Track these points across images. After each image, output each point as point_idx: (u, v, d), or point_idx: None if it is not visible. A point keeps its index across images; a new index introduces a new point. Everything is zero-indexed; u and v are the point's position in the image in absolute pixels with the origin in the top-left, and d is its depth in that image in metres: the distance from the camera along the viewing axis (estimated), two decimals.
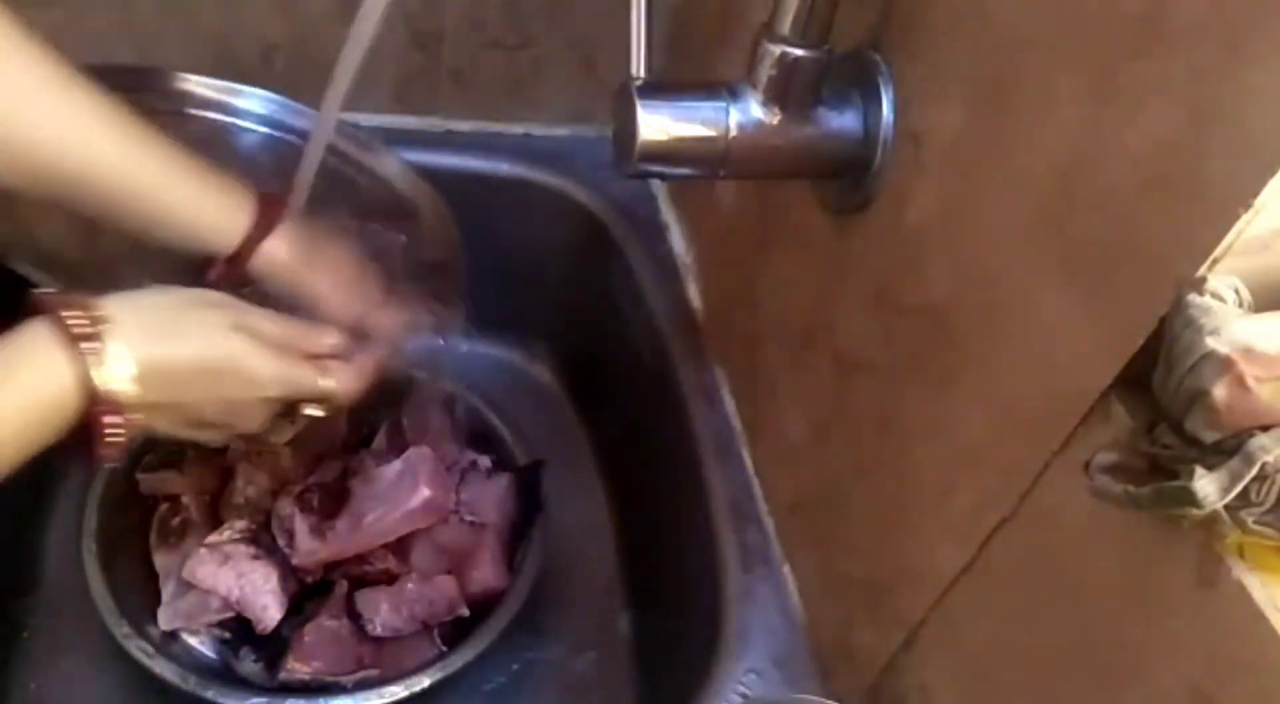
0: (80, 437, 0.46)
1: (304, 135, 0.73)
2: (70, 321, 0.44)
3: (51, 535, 0.81)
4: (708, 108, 0.54)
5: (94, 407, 0.45)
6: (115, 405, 0.45)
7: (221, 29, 0.87)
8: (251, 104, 0.78)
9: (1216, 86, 0.33)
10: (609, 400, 0.95)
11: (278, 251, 0.60)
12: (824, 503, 0.63)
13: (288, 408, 0.56)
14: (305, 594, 0.74)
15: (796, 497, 0.67)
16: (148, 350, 0.46)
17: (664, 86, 0.54)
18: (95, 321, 0.45)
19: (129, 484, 0.76)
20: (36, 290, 0.47)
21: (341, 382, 0.57)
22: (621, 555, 0.89)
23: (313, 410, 0.58)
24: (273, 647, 0.72)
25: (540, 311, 0.99)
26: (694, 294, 0.85)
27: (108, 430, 0.45)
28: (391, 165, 0.79)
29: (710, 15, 0.82)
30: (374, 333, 0.62)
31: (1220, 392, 0.32)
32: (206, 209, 0.58)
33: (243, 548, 0.73)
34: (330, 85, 0.60)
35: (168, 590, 0.73)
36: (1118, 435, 0.38)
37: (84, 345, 0.44)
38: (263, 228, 0.59)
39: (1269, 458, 0.31)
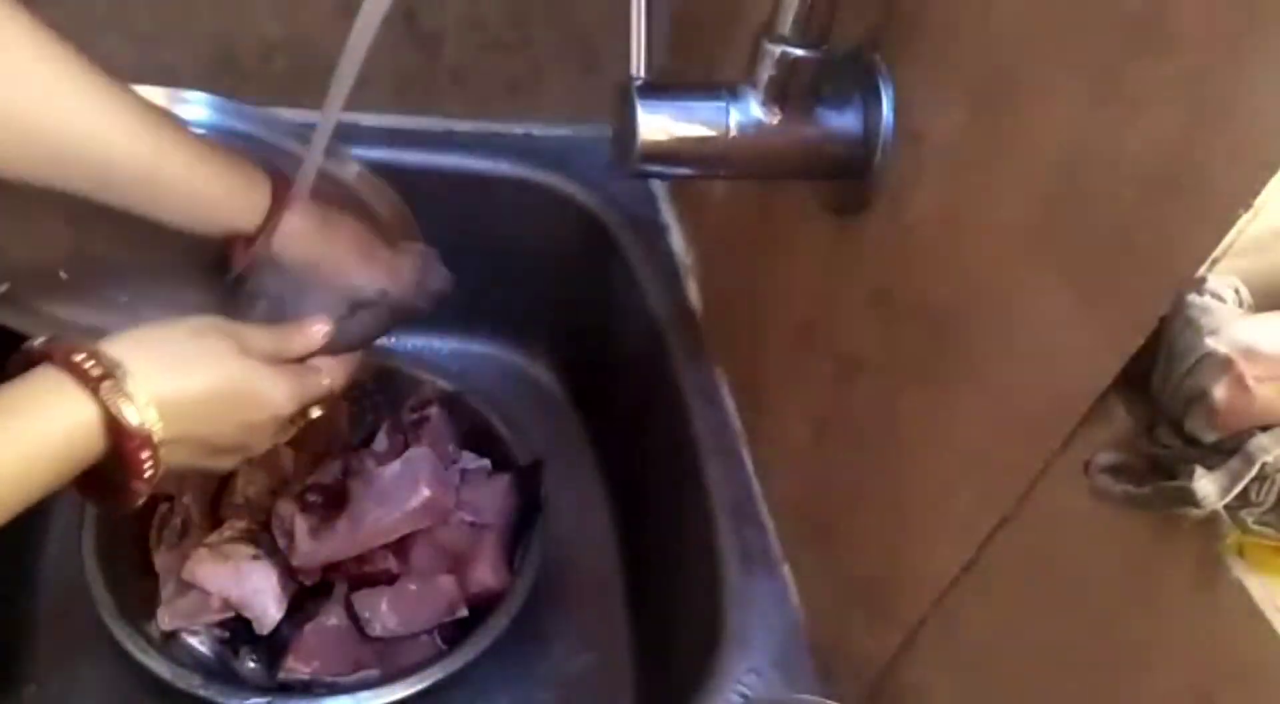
0: (107, 476, 0.46)
1: (248, 138, 0.74)
2: (84, 365, 0.44)
3: (52, 535, 0.81)
4: (708, 108, 0.54)
5: (128, 443, 0.45)
6: (146, 439, 0.46)
7: (221, 29, 0.87)
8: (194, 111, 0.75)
9: (1216, 86, 0.33)
10: (609, 400, 0.95)
11: (295, 224, 0.60)
12: (824, 503, 0.63)
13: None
14: (305, 594, 0.74)
15: (796, 497, 0.67)
16: (163, 385, 0.47)
17: (664, 86, 0.54)
18: (106, 364, 0.45)
19: None
20: (33, 341, 0.46)
21: (336, 376, 0.58)
22: (621, 555, 0.89)
23: (316, 411, 0.59)
24: (273, 647, 0.72)
25: (540, 311, 0.99)
26: (694, 294, 0.85)
27: (144, 465, 0.46)
28: (350, 169, 0.77)
29: (710, 15, 0.82)
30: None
31: (1220, 392, 0.32)
32: (230, 189, 0.58)
33: (243, 548, 0.73)
34: (331, 85, 0.60)
35: (168, 590, 0.73)
36: (1118, 435, 0.38)
37: (104, 385, 0.44)
38: (280, 202, 0.59)
39: (1269, 458, 0.31)
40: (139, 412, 0.45)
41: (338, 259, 0.63)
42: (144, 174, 0.54)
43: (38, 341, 0.46)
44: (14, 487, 0.42)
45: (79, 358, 0.44)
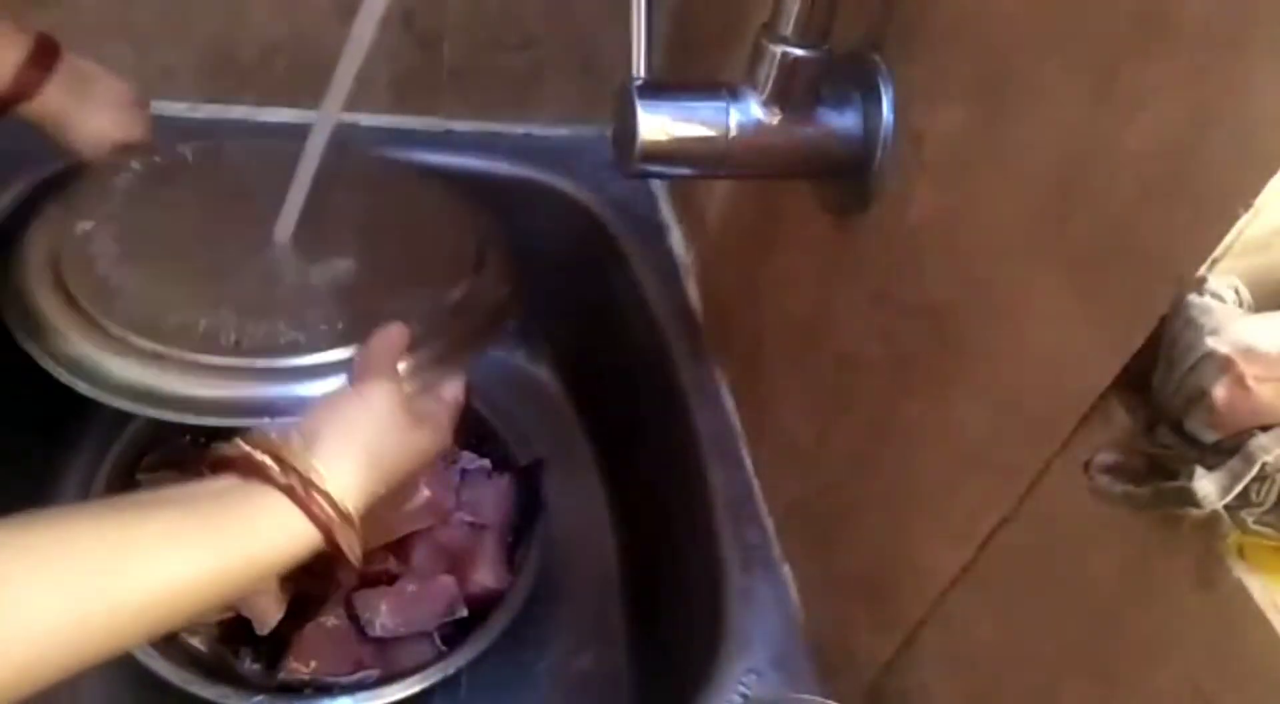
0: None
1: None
2: (314, 507, 0.48)
3: None
4: (708, 108, 0.54)
5: (337, 550, 0.49)
6: (352, 540, 0.50)
7: (222, 30, 0.87)
8: None
9: (1216, 86, 0.33)
10: (609, 400, 0.95)
11: (52, 99, 0.64)
12: (824, 503, 0.63)
13: None
14: (305, 594, 0.74)
15: (796, 497, 0.67)
16: (361, 491, 0.51)
17: (664, 86, 0.54)
18: (324, 496, 0.48)
19: (129, 484, 0.76)
20: (243, 446, 0.48)
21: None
22: (621, 555, 0.89)
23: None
24: (273, 647, 0.72)
25: (540, 311, 0.99)
26: (694, 294, 0.85)
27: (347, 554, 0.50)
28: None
29: (710, 15, 0.82)
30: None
31: (1220, 392, 0.32)
32: None
33: None
34: (330, 86, 0.60)
35: None
36: (1118, 435, 0.38)
37: (318, 509, 0.48)
38: (39, 68, 0.63)
39: (1269, 458, 0.31)
40: (350, 536, 0.49)
41: (97, 130, 0.68)
42: None
43: (246, 447, 0.48)
44: (242, 584, 0.46)
45: (291, 483, 0.47)
